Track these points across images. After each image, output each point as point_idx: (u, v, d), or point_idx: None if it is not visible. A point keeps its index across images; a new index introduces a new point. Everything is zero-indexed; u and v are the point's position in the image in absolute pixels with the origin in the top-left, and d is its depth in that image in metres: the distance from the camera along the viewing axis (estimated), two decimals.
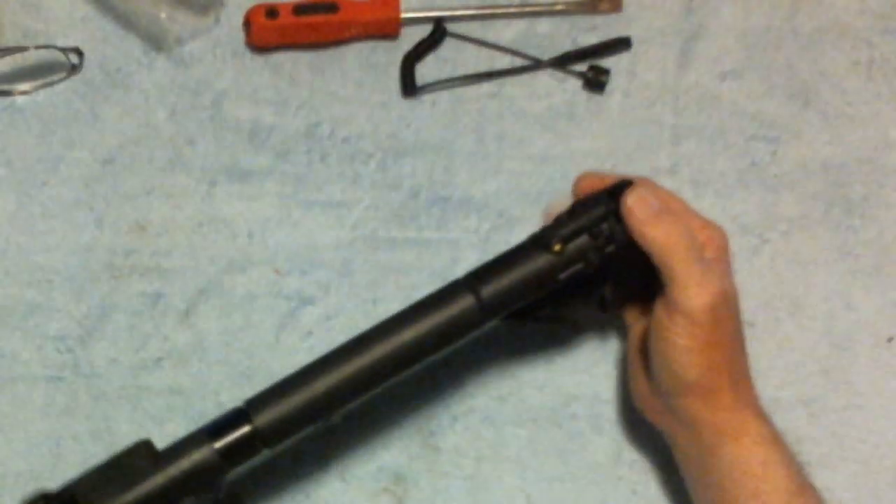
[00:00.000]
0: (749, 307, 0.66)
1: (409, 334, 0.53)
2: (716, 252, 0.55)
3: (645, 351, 0.57)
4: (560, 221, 0.55)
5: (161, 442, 0.62)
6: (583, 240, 0.54)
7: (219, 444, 0.51)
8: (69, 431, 0.62)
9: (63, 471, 0.61)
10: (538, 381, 0.64)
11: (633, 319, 0.60)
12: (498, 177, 0.68)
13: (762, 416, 0.55)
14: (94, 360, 0.63)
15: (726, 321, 0.54)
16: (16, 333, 0.63)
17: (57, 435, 0.62)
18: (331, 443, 0.62)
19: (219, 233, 0.66)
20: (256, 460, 0.52)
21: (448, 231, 0.67)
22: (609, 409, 0.64)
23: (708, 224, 0.56)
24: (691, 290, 0.52)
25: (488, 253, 0.66)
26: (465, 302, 0.53)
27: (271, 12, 0.68)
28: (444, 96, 0.70)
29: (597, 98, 0.70)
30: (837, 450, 0.63)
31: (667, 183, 0.58)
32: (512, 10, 0.72)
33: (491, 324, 0.55)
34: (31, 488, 0.60)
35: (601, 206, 0.55)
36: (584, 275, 0.55)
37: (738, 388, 0.55)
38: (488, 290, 0.54)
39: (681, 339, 0.53)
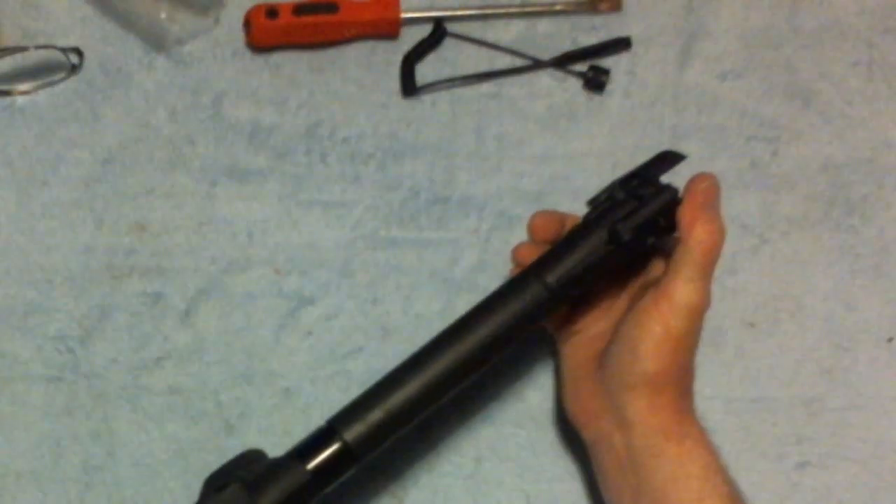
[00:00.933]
0: (749, 307, 0.66)
1: (487, 328, 0.53)
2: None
3: (596, 352, 0.58)
4: (620, 202, 0.55)
5: (161, 442, 0.62)
6: (649, 228, 0.55)
7: (311, 465, 0.51)
8: (69, 431, 0.62)
9: (63, 471, 0.61)
10: (538, 381, 0.64)
11: (589, 320, 0.61)
12: (498, 177, 0.68)
13: (701, 424, 0.55)
14: (94, 360, 0.63)
15: (697, 331, 0.55)
16: (16, 333, 0.63)
17: (57, 435, 0.62)
18: None
19: (219, 233, 0.66)
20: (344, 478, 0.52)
21: (448, 231, 0.67)
22: None
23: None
24: (691, 287, 0.53)
25: (488, 253, 0.66)
26: (535, 289, 0.54)
27: (271, 12, 0.68)
28: (444, 96, 0.70)
29: (597, 98, 0.70)
30: (837, 450, 0.63)
31: None
32: (512, 10, 0.72)
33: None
34: (31, 488, 0.61)
35: (665, 193, 0.55)
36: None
37: (685, 397, 0.56)
38: (553, 277, 0.54)
39: (659, 326, 0.53)
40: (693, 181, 0.55)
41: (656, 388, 0.54)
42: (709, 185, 0.55)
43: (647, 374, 0.54)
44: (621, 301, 0.59)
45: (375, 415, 0.52)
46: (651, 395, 0.54)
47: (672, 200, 0.55)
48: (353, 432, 0.51)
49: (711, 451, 0.54)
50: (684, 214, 0.54)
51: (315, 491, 0.51)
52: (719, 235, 0.54)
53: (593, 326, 0.60)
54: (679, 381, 0.55)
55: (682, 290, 0.53)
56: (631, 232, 0.54)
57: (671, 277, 0.54)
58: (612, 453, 0.56)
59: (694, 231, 0.53)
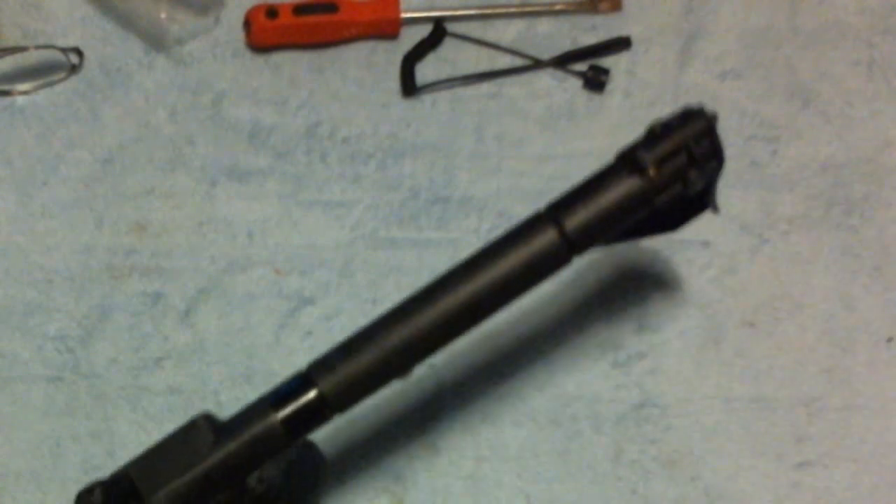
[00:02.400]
0: (749, 307, 0.66)
1: (485, 278, 0.47)
2: None
3: None
4: (653, 137, 0.47)
5: None
6: (682, 158, 0.47)
7: (282, 414, 0.47)
8: (69, 431, 0.62)
9: (63, 471, 0.61)
10: (538, 381, 0.64)
11: None
12: (498, 177, 0.68)
13: None
14: (94, 360, 0.63)
15: None
16: (16, 333, 0.63)
17: (57, 435, 0.62)
18: (331, 443, 0.62)
19: (219, 233, 0.66)
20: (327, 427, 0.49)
21: (448, 231, 0.67)
22: (609, 409, 0.64)
23: None
24: None
25: None
26: (548, 237, 0.47)
27: (271, 12, 0.68)
28: (444, 96, 0.70)
29: (597, 98, 0.70)
30: (837, 450, 0.63)
31: None
32: (512, 10, 0.72)
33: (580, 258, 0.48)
34: (31, 488, 0.61)
35: (701, 119, 0.47)
36: (685, 196, 0.48)
37: None
38: (573, 223, 0.47)
39: None
40: None
41: None
42: None
43: None
44: None
45: (359, 363, 0.47)
46: None
47: (707, 127, 0.47)
48: (330, 382, 0.47)
49: None
50: None
51: (287, 441, 0.48)
52: None
53: None
54: None
55: None
56: (655, 162, 0.46)
57: None
58: None
59: None
